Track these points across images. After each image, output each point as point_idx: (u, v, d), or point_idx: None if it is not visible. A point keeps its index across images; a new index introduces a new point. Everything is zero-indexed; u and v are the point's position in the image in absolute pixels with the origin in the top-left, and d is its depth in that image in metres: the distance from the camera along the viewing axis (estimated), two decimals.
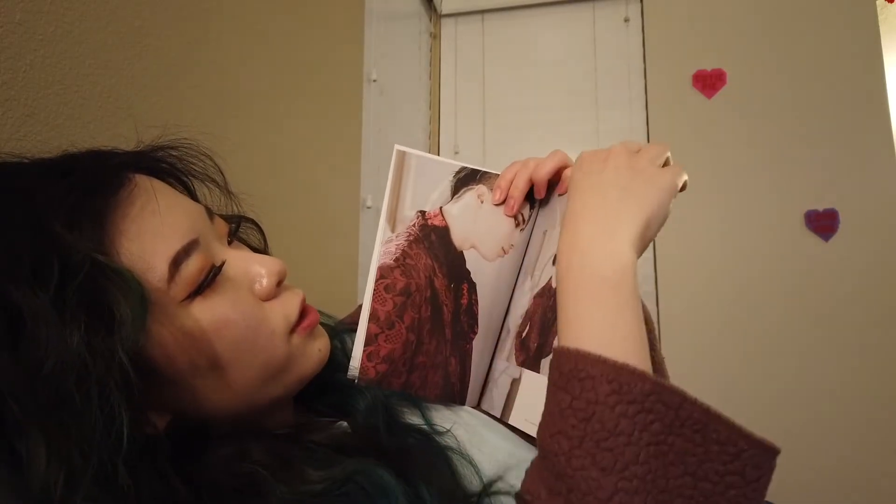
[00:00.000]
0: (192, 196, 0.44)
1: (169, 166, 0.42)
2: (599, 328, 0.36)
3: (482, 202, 0.52)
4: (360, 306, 0.64)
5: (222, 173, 0.46)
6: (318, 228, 1.19)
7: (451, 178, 0.52)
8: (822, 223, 1.69)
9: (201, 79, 0.81)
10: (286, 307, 0.40)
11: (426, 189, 0.52)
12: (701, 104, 1.82)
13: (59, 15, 0.57)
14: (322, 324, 0.51)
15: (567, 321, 0.38)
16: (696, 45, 1.85)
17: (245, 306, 0.37)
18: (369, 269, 0.50)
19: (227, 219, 0.44)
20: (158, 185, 0.38)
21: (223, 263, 0.37)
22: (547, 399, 0.36)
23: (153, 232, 0.34)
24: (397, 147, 0.51)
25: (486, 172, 0.53)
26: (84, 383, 0.29)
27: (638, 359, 0.35)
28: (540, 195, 0.51)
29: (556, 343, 0.38)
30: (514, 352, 0.50)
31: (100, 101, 0.62)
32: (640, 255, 0.39)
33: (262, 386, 0.39)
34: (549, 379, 0.36)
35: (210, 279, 0.36)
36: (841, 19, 1.75)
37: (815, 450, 1.63)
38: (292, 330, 0.40)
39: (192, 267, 0.35)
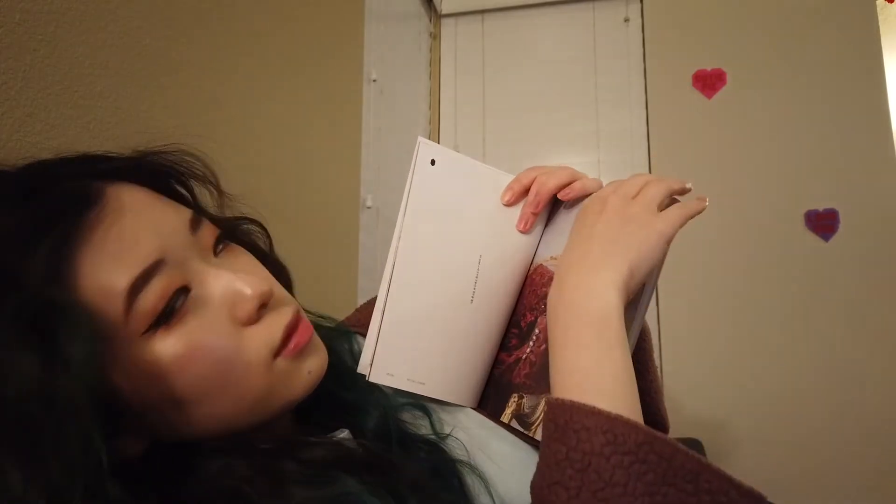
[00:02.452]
0: (183, 201, 0.42)
1: (158, 171, 0.41)
2: (589, 372, 0.36)
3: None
4: (361, 307, 0.63)
5: (215, 176, 0.44)
6: (318, 228, 1.19)
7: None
8: (822, 223, 1.69)
9: (201, 79, 0.81)
10: (268, 332, 0.37)
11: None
12: (701, 104, 1.82)
13: (59, 15, 0.57)
14: (328, 328, 0.49)
15: (558, 370, 0.38)
16: (696, 45, 1.85)
17: (216, 337, 0.35)
18: (387, 259, 0.48)
19: (227, 221, 0.43)
20: (133, 198, 0.36)
21: (187, 290, 0.35)
22: (542, 450, 0.36)
23: (113, 259, 0.32)
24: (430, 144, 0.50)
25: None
26: (50, 414, 0.28)
27: (628, 402, 0.36)
28: (537, 209, 0.50)
29: (549, 395, 0.38)
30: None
31: (100, 101, 0.62)
32: (627, 300, 0.40)
33: (241, 416, 0.37)
34: (544, 430, 0.36)
35: (171, 309, 0.34)
36: (841, 19, 1.75)
37: (815, 449, 1.63)
38: (277, 353, 0.38)
39: (152, 295, 0.33)
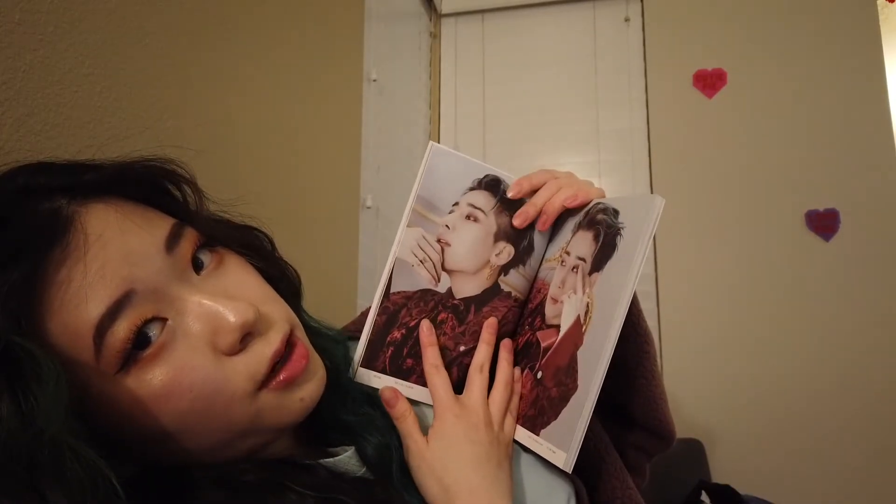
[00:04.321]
0: (169, 209, 0.39)
1: (139, 181, 0.38)
2: None
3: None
4: (365, 311, 0.63)
5: (196, 185, 0.41)
6: (318, 228, 1.19)
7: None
8: (823, 223, 1.69)
9: (201, 79, 0.81)
10: (251, 364, 0.35)
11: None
12: (701, 104, 1.82)
13: (59, 15, 0.57)
14: (330, 336, 0.48)
15: None
16: (696, 44, 1.85)
17: (196, 370, 0.33)
18: (387, 259, 0.49)
19: (222, 226, 0.41)
20: (104, 223, 0.33)
21: (164, 321, 0.33)
22: None
23: (78, 298, 0.31)
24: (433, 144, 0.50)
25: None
26: (39, 454, 0.27)
27: None
28: (543, 228, 0.50)
29: None
30: None
31: (100, 101, 0.62)
32: None
33: (227, 445, 0.36)
34: None
35: (144, 342, 0.32)
36: (841, 19, 1.75)
37: (815, 449, 1.63)
38: (263, 385, 0.35)
39: (120, 331, 0.31)
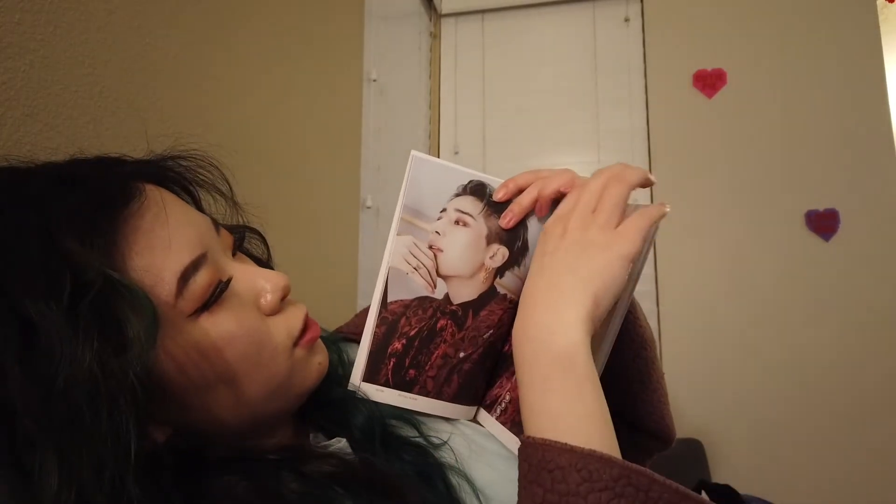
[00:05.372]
0: (199, 207, 0.44)
1: (177, 176, 0.42)
2: (559, 412, 0.36)
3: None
4: (360, 314, 0.63)
5: (230, 185, 0.45)
6: (318, 228, 1.19)
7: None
8: (823, 223, 1.69)
9: (201, 79, 0.81)
10: (289, 322, 0.41)
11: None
12: (701, 104, 1.82)
13: (59, 15, 0.57)
14: (322, 336, 0.50)
15: (528, 409, 0.37)
16: (696, 44, 1.85)
17: (250, 322, 0.38)
18: (380, 269, 0.48)
19: (231, 229, 0.44)
20: (167, 196, 0.38)
21: (230, 279, 0.37)
22: (519, 491, 0.35)
23: (162, 246, 0.34)
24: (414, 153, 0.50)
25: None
26: (95, 400, 0.28)
27: (601, 438, 0.35)
28: (541, 213, 0.48)
29: (522, 435, 0.37)
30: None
31: (100, 101, 0.62)
32: (593, 331, 0.38)
33: (266, 400, 0.39)
34: (520, 471, 0.35)
35: (217, 294, 0.36)
36: (841, 19, 1.75)
37: (815, 449, 1.63)
38: (295, 343, 0.41)
39: (201, 281, 0.35)
